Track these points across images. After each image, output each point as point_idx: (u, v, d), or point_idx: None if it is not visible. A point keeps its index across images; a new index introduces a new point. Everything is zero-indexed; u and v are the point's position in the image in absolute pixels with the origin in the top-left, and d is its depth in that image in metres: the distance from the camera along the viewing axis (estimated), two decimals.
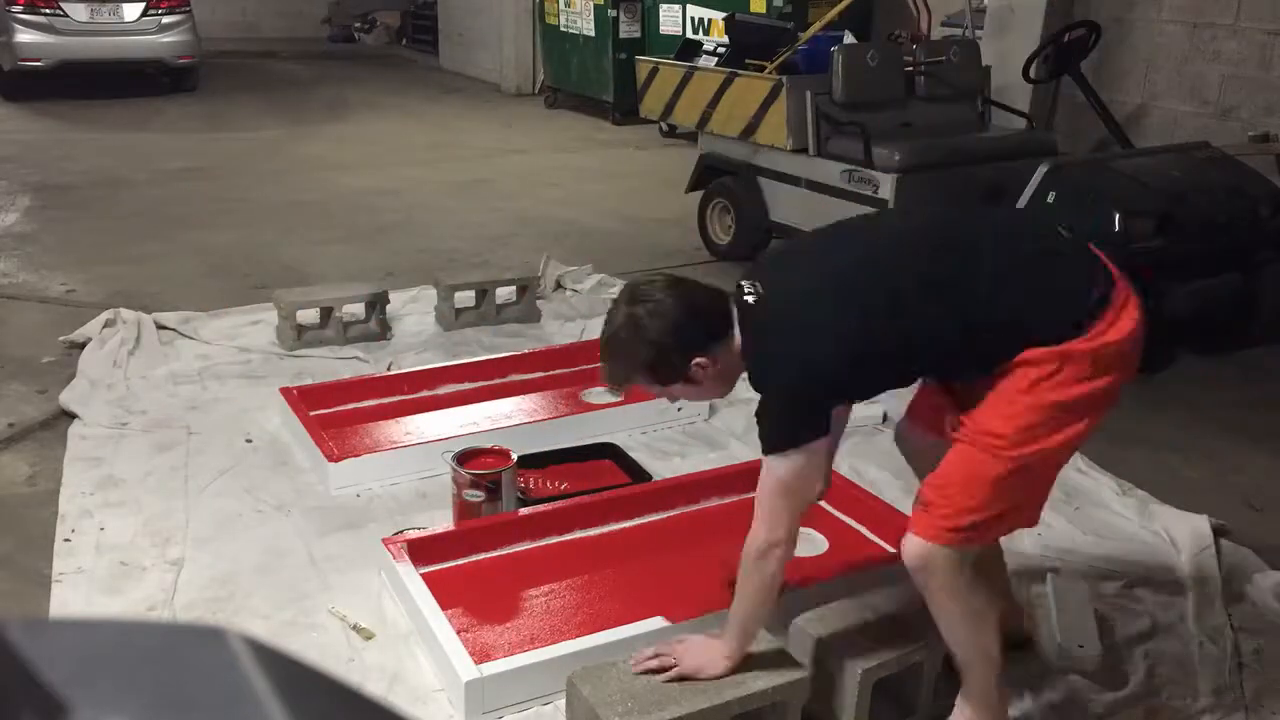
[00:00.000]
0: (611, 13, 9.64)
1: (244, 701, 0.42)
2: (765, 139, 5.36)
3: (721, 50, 6.17)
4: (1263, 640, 2.63)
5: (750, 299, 2.06)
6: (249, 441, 3.50)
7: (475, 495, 2.84)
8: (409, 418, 3.70)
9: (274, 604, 2.65)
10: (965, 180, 5.03)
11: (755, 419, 2.05)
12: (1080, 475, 3.41)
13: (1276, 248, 4.47)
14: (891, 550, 2.85)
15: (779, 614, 2.44)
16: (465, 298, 4.55)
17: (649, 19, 9.75)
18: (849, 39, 5.90)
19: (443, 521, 2.96)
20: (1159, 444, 3.74)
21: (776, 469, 2.02)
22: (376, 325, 4.36)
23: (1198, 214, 4.23)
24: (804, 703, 2.13)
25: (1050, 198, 4.28)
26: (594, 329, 4.54)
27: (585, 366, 4.14)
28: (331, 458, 3.19)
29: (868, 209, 4.98)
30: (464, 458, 2.90)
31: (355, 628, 2.55)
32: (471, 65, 12.72)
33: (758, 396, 2.06)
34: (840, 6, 5.78)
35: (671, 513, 3.07)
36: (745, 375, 2.15)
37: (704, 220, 5.95)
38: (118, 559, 2.80)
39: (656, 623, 2.42)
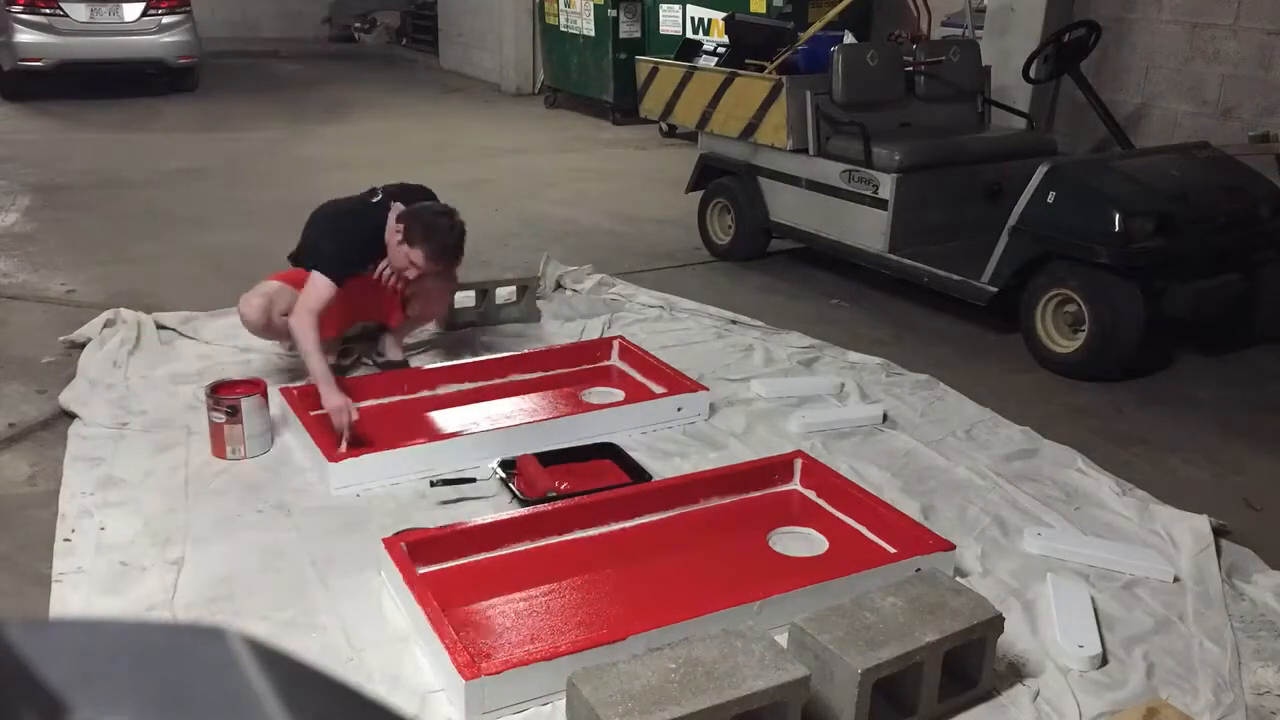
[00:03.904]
0: (611, 13, 9.64)
1: (244, 701, 0.42)
2: (765, 139, 5.36)
3: (721, 50, 6.17)
4: (1263, 640, 2.63)
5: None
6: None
7: (218, 417, 3.32)
8: (409, 417, 3.70)
9: (274, 604, 2.65)
10: (965, 180, 5.04)
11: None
12: (1080, 475, 3.41)
13: (1276, 248, 4.48)
14: (892, 550, 2.86)
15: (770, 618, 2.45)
16: (465, 298, 4.55)
17: (649, 19, 9.75)
18: (849, 39, 5.90)
19: (442, 521, 2.97)
20: (1159, 444, 3.74)
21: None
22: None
23: (1198, 214, 4.23)
24: (804, 703, 2.13)
25: (1050, 198, 4.28)
26: (594, 329, 4.56)
27: (585, 366, 4.14)
28: (331, 458, 3.19)
29: (868, 209, 4.99)
30: (218, 386, 3.41)
31: None
32: (471, 65, 12.72)
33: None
34: (840, 6, 5.78)
35: (671, 513, 3.07)
36: None
37: (704, 220, 5.95)
38: (118, 559, 2.80)
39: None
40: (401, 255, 3.63)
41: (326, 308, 3.56)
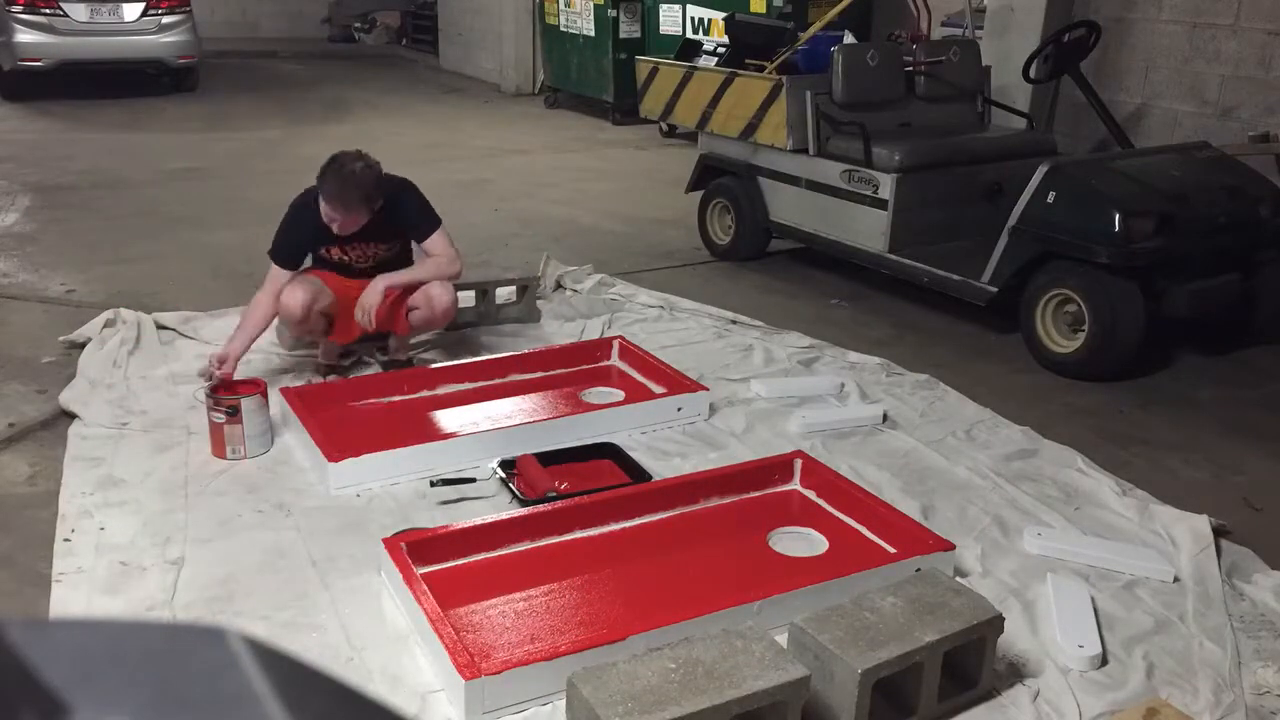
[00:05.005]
0: (611, 13, 9.64)
1: (244, 701, 0.42)
2: (765, 139, 5.36)
3: (721, 50, 6.17)
4: (1263, 640, 2.63)
5: None
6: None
7: (218, 417, 3.32)
8: (409, 417, 3.70)
9: (274, 604, 2.65)
10: (965, 180, 5.04)
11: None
12: (1080, 475, 3.41)
13: (1276, 248, 4.48)
14: (892, 550, 2.86)
15: (780, 613, 2.46)
16: (465, 298, 4.55)
17: (649, 19, 9.75)
18: (849, 39, 5.90)
19: (442, 521, 2.97)
20: (1159, 444, 3.74)
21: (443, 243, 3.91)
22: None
23: (1198, 214, 4.23)
24: (804, 703, 2.13)
25: (1050, 198, 4.28)
26: (594, 329, 4.56)
27: (585, 366, 4.14)
28: (331, 458, 3.19)
29: (868, 209, 4.99)
30: (218, 386, 3.42)
31: None
32: (471, 65, 12.72)
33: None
34: (840, 6, 5.78)
35: (671, 513, 3.07)
36: None
37: (704, 220, 5.95)
38: (118, 559, 2.80)
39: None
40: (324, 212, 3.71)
41: (279, 289, 3.71)
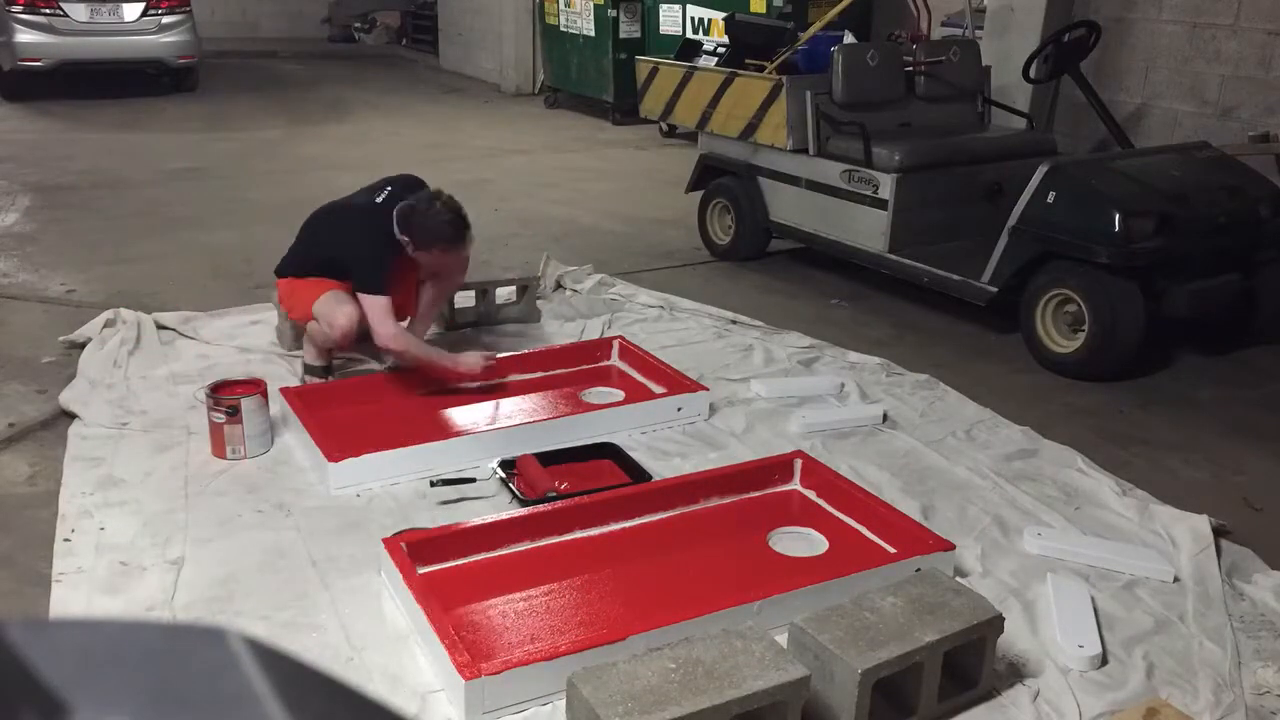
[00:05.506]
0: (611, 13, 9.64)
1: (244, 701, 0.42)
2: (765, 139, 5.36)
3: (721, 50, 6.17)
4: (1263, 640, 2.63)
5: None
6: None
7: (218, 417, 3.34)
8: (409, 418, 3.70)
9: (274, 604, 2.65)
10: (965, 180, 5.04)
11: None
12: (1080, 475, 3.41)
13: (1276, 248, 4.48)
14: (892, 550, 2.86)
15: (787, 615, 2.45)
16: (465, 298, 4.55)
17: (649, 19, 9.75)
18: (849, 39, 5.90)
19: (442, 521, 2.97)
20: (1159, 444, 3.74)
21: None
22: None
23: (1198, 214, 4.23)
24: (804, 703, 2.13)
25: (1050, 198, 4.28)
26: (594, 329, 4.56)
27: (585, 366, 4.14)
28: (331, 458, 3.19)
29: (868, 209, 4.99)
30: (218, 386, 3.43)
31: None
32: (471, 65, 12.72)
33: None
34: (840, 6, 5.78)
35: (671, 513, 3.07)
36: None
37: (704, 220, 5.95)
38: (118, 559, 2.80)
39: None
40: (426, 260, 3.77)
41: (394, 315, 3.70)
